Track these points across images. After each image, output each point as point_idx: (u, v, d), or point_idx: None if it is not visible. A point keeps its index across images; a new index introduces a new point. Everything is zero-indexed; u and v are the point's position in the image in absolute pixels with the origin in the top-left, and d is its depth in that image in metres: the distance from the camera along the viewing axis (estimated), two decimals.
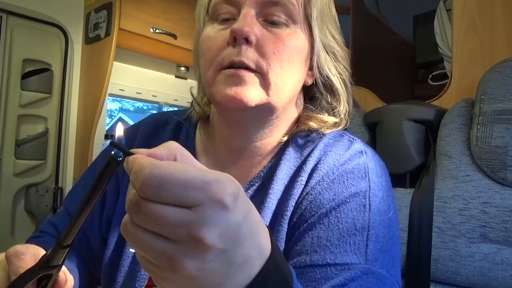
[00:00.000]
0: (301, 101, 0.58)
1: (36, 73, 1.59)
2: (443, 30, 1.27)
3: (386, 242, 0.46)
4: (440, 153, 0.81)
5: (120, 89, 1.91)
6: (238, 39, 0.46)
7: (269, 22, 0.49)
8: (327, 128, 0.55)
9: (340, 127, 0.57)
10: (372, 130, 0.94)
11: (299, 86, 0.54)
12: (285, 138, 0.55)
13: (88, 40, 1.68)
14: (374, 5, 1.82)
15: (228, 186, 0.26)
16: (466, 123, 0.80)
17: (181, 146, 0.29)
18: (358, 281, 0.41)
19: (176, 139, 0.61)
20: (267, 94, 0.48)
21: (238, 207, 0.26)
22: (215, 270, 0.26)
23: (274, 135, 0.55)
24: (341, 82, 0.56)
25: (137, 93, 2.01)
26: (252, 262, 0.29)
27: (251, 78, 0.47)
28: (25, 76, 1.56)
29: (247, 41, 0.47)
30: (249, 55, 0.47)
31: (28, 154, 1.58)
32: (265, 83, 0.48)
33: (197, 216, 0.25)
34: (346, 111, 0.57)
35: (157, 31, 1.64)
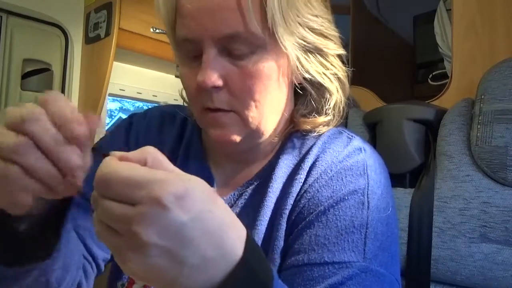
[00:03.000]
0: (291, 101, 0.56)
1: (36, 73, 1.59)
2: (443, 30, 1.27)
3: (385, 239, 0.46)
4: (440, 153, 0.81)
5: (120, 89, 1.91)
6: (205, 90, 0.46)
7: (234, 56, 0.46)
8: (322, 127, 0.55)
9: (334, 124, 0.56)
10: (372, 130, 0.94)
11: (283, 100, 0.52)
12: (281, 139, 0.56)
13: (88, 40, 1.68)
14: (374, 5, 1.82)
15: (172, 185, 0.27)
16: (466, 123, 0.80)
17: (156, 150, 0.30)
18: (356, 279, 0.41)
19: (182, 134, 0.61)
20: (249, 128, 0.49)
21: (182, 207, 0.27)
22: (164, 268, 0.27)
23: (269, 140, 0.55)
24: (330, 77, 0.52)
25: (137, 93, 2.01)
26: (213, 264, 0.28)
27: (229, 119, 0.48)
28: (25, 76, 1.56)
29: (215, 87, 0.46)
30: (221, 99, 0.47)
31: None
32: (242, 119, 0.48)
33: (136, 212, 0.27)
34: (340, 105, 0.55)
35: (157, 31, 1.63)
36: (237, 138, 0.49)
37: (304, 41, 0.49)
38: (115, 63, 1.58)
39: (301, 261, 0.44)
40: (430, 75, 1.47)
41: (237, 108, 0.48)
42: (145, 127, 0.62)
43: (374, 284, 0.42)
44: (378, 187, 0.49)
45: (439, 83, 1.40)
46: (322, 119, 0.54)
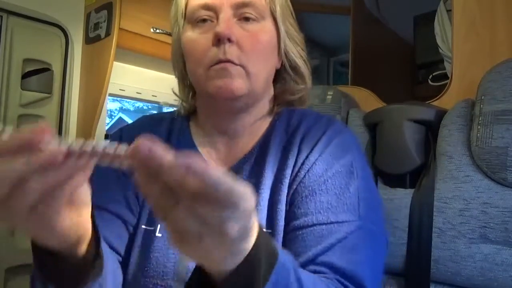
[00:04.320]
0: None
1: (36, 73, 1.58)
2: (444, 31, 1.27)
3: (371, 202, 0.56)
4: (440, 153, 0.81)
5: (120, 89, 1.91)
6: (222, 40, 0.55)
7: (243, 19, 0.58)
8: (300, 97, 0.67)
9: (306, 97, 0.69)
10: (373, 131, 0.94)
11: (273, 71, 0.64)
12: (269, 118, 0.65)
13: (89, 40, 1.68)
14: (374, 6, 1.82)
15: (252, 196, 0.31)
16: (466, 123, 0.80)
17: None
18: (355, 233, 0.52)
19: (171, 131, 0.68)
20: (250, 82, 0.57)
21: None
22: (225, 253, 0.32)
23: (259, 115, 0.64)
24: (303, 62, 0.66)
25: (137, 93, 2.01)
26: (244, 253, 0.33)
27: (236, 71, 0.56)
28: (25, 76, 1.56)
29: (229, 40, 0.55)
30: (232, 52, 0.56)
31: None
32: (247, 73, 0.57)
33: (232, 217, 0.29)
34: (309, 87, 0.68)
35: (158, 31, 1.63)
36: (240, 89, 0.56)
37: (288, 30, 0.63)
38: (115, 63, 1.58)
39: (310, 222, 0.53)
40: (430, 76, 1.48)
41: (244, 62, 0.56)
42: (136, 133, 0.64)
43: (367, 237, 0.53)
44: (361, 160, 0.60)
45: (439, 83, 1.40)
46: (298, 86, 0.66)
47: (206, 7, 0.57)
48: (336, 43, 2.27)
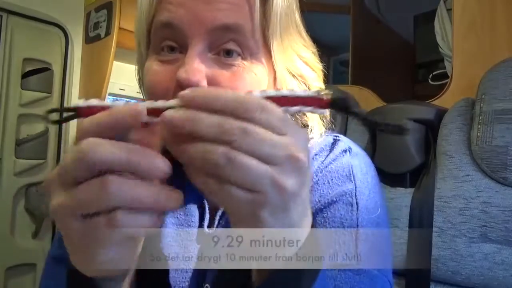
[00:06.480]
0: None
1: (36, 73, 1.59)
2: (444, 30, 1.27)
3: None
4: (441, 152, 0.81)
5: (120, 89, 1.90)
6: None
7: (222, 52, 0.41)
8: None
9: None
10: (373, 130, 0.94)
11: None
12: None
13: (88, 40, 1.68)
14: (374, 5, 1.82)
15: (303, 144, 0.29)
16: (466, 122, 0.80)
17: None
18: (351, 281, 0.41)
19: None
20: None
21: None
22: (301, 215, 0.29)
23: None
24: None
25: (137, 92, 2.00)
26: (309, 215, 0.31)
27: None
28: (25, 75, 1.56)
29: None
30: None
31: (28, 153, 1.57)
32: None
33: (294, 141, 0.27)
34: (321, 133, 0.51)
35: None
36: None
37: (293, 67, 0.47)
38: (115, 62, 1.58)
39: None
40: (430, 75, 1.48)
41: None
42: None
43: (367, 285, 0.42)
44: (366, 188, 0.48)
45: (439, 82, 1.40)
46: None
47: (171, 28, 0.40)
48: (336, 42, 2.26)
